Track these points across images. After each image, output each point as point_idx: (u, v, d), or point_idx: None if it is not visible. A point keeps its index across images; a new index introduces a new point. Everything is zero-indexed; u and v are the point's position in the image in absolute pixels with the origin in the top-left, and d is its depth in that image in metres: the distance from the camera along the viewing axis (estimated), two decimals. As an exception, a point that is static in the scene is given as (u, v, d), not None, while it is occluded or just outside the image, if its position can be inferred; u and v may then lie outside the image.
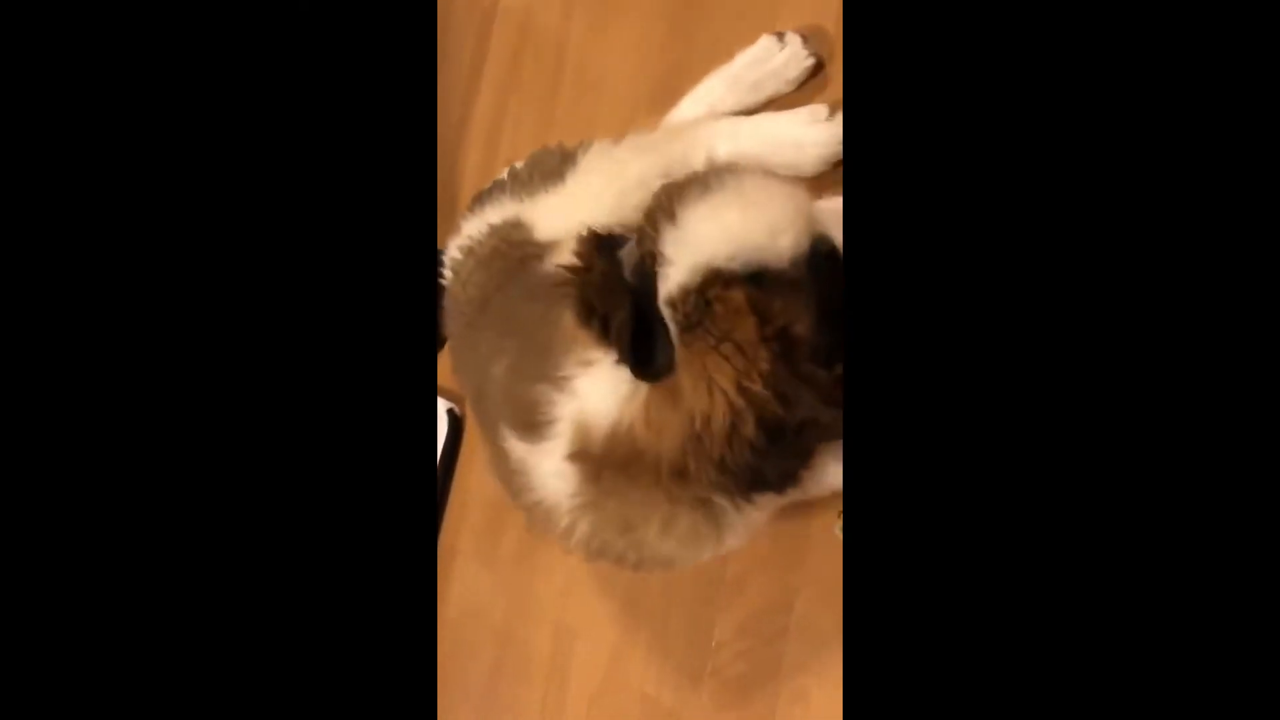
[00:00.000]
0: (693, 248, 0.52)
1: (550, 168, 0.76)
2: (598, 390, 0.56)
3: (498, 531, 0.97)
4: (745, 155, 0.76)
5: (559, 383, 0.58)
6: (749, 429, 0.51)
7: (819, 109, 0.75)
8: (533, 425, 0.59)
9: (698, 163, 0.76)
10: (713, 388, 0.51)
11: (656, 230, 0.53)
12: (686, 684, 0.80)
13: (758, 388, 0.50)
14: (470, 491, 0.99)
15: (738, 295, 0.51)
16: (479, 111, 1.05)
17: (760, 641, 0.76)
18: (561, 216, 0.73)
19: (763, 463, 0.53)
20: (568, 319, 0.56)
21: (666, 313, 0.52)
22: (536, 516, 0.63)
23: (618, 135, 0.80)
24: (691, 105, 0.83)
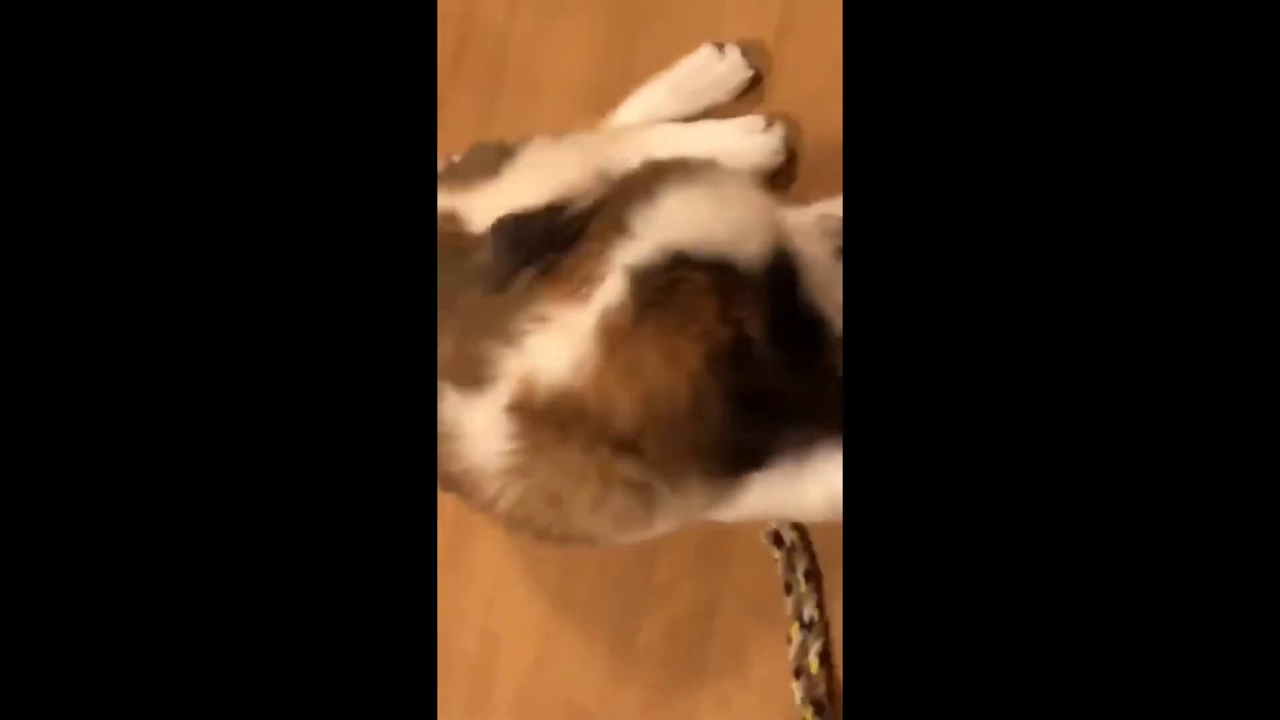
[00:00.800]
0: (662, 229, 0.52)
1: (487, 162, 0.74)
2: (550, 350, 0.54)
3: (423, 533, 0.94)
4: (683, 162, 0.76)
5: (510, 337, 0.56)
6: (714, 406, 0.51)
7: (756, 120, 0.75)
8: (475, 379, 0.57)
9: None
10: (677, 367, 0.51)
11: (627, 200, 0.53)
12: (611, 689, 0.79)
13: (722, 378, 0.51)
14: (396, 492, 0.96)
15: (700, 277, 0.51)
16: (418, 104, 1.03)
17: (684, 647, 0.75)
18: (496, 211, 0.71)
19: (732, 436, 0.53)
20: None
21: (623, 279, 0.52)
22: (465, 486, 0.60)
23: (558, 134, 0.79)
24: (633, 109, 0.82)
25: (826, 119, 0.75)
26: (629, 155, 0.76)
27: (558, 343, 0.54)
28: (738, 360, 0.51)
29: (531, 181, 0.74)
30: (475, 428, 0.58)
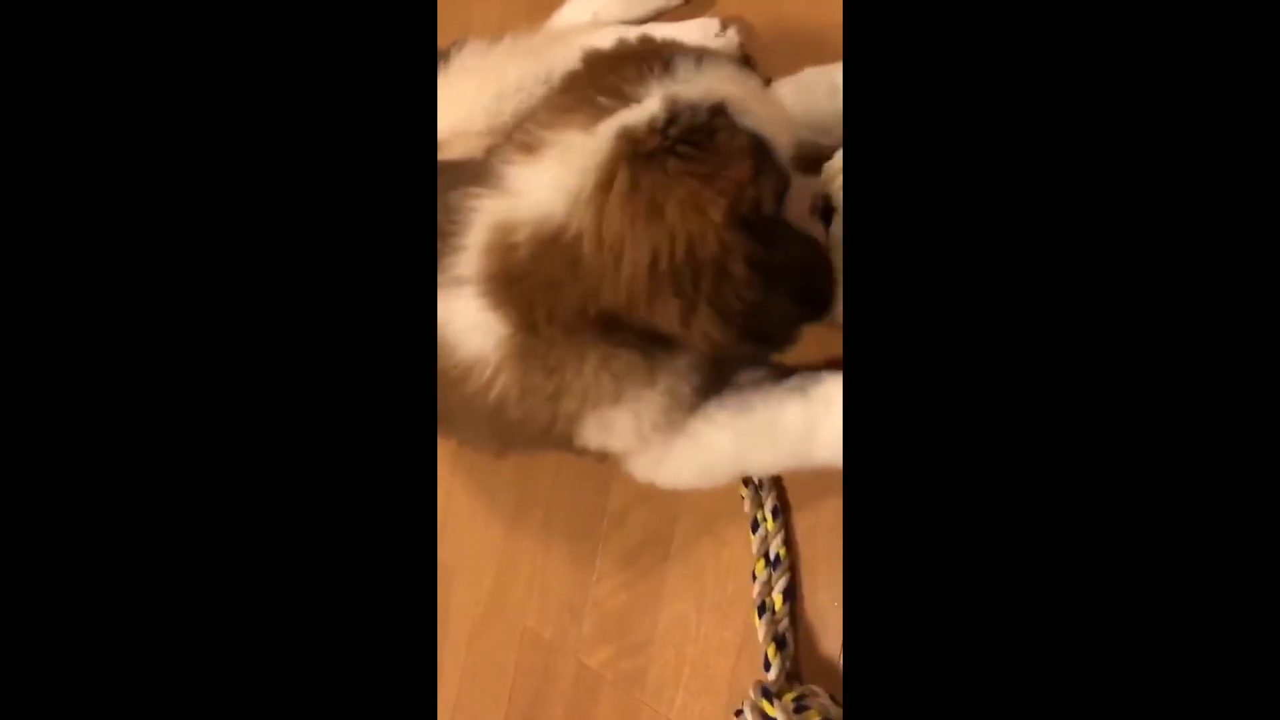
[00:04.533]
0: (708, 83, 0.48)
1: (416, 68, 0.66)
2: (539, 183, 0.47)
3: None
4: (632, 68, 0.69)
5: (486, 175, 0.49)
6: (739, 267, 0.46)
7: (711, 24, 0.68)
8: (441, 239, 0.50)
9: (581, 73, 0.69)
10: (703, 215, 0.45)
11: (666, 54, 0.48)
12: (567, 617, 0.77)
13: (744, 239, 0.46)
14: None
15: (743, 136, 0.47)
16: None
17: (640, 572, 0.73)
18: (431, 121, 0.64)
19: (764, 300, 0.47)
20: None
21: (662, 114, 0.46)
22: (453, 379, 0.53)
23: (493, 37, 0.70)
24: (574, 11, 0.74)
25: (784, 23, 0.69)
26: (573, 60, 0.69)
27: (549, 173, 0.46)
28: (757, 228, 0.46)
29: (468, 87, 0.67)
30: (454, 322, 0.51)
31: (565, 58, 0.67)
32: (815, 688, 0.59)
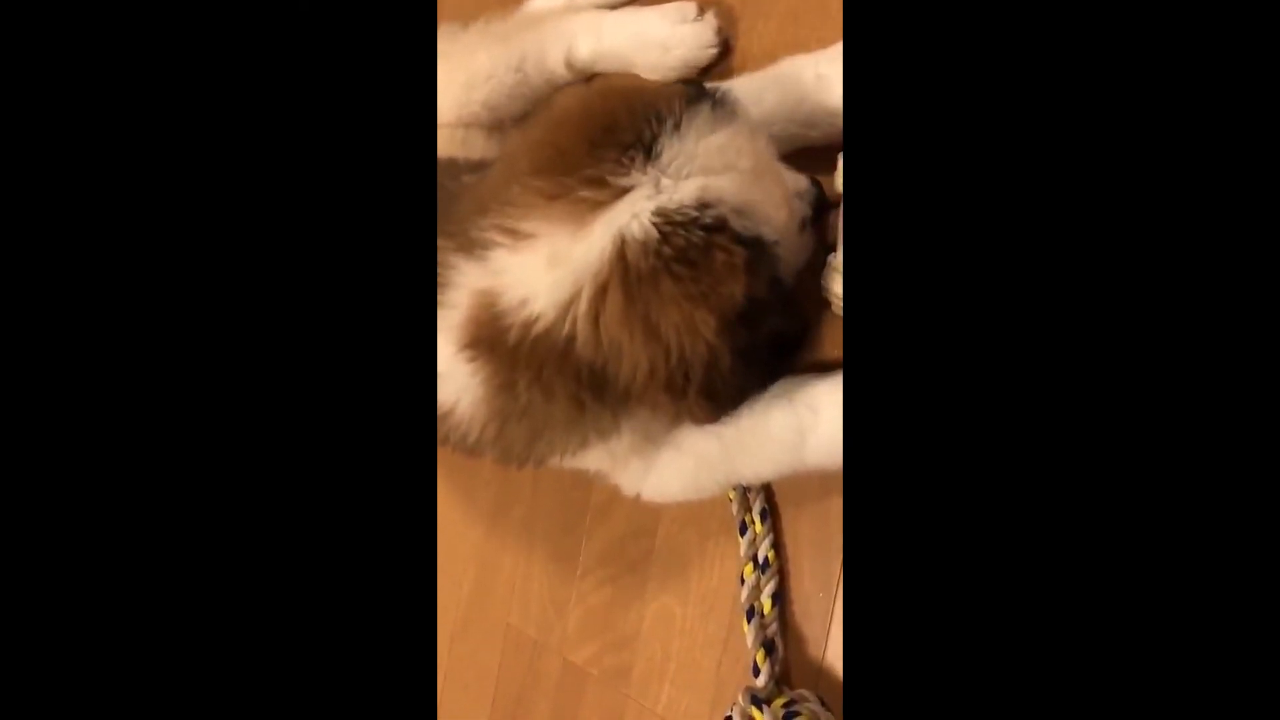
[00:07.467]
0: (701, 172, 0.46)
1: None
2: (524, 275, 0.47)
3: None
4: (607, 53, 0.67)
5: (467, 244, 0.48)
6: (726, 359, 0.48)
7: (688, 7, 0.67)
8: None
9: (555, 58, 0.67)
10: (695, 334, 0.46)
11: (656, 123, 0.46)
12: (551, 613, 0.76)
13: (732, 336, 0.47)
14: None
15: (739, 253, 0.46)
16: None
17: (625, 566, 0.72)
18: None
19: (744, 383, 0.50)
20: (511, 166, 0.48)
21: (652, 217, 0.45)
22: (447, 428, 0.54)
23: (465, 21, 0.68)
24: (548, -5, 0.72)
25: (762, 7, 0.68)
26: (548, 46, 0.67)
27: (536, 269, 0.46)
28: (746, 320, 0.47)
29: (440, 71, 0.65)
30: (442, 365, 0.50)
31: (537, 45, 0.66)
32: (805, 692, 0.58)
